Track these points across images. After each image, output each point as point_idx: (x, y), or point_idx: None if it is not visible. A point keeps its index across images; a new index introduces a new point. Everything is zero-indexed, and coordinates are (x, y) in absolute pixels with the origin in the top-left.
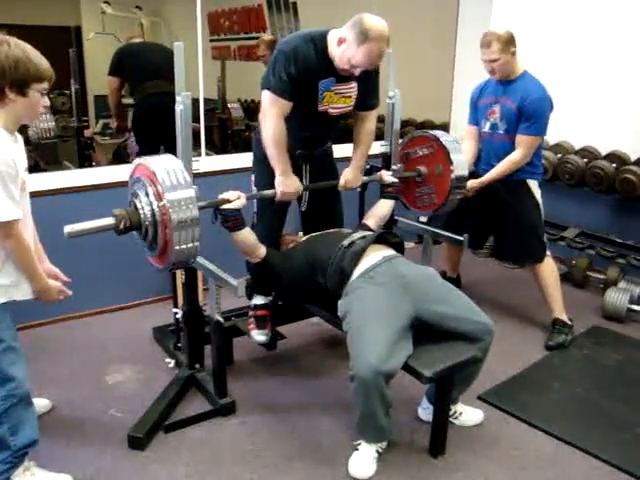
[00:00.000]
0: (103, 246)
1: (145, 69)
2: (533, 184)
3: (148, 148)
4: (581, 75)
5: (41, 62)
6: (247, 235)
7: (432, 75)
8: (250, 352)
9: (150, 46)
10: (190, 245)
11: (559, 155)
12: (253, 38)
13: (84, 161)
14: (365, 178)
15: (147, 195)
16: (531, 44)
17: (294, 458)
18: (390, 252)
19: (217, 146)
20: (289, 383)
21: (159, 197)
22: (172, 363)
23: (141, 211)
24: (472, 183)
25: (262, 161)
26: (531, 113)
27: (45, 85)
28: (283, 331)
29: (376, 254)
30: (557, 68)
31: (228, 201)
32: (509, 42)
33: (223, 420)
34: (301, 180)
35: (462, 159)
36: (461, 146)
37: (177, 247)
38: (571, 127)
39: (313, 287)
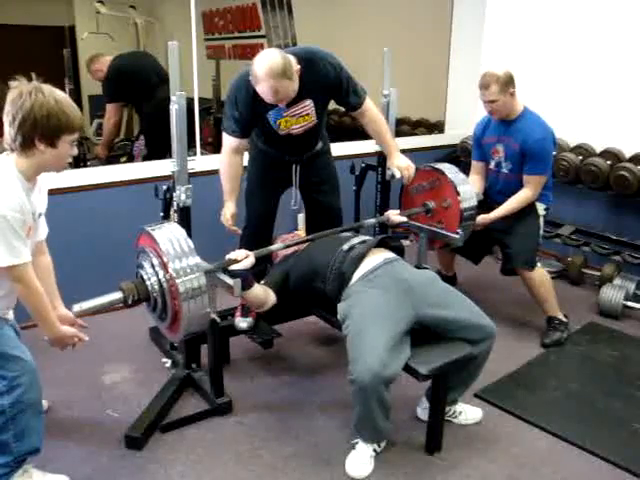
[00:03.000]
0: (99, 246)
1: (149, 78)
2: (539, 205)
3: (158, 152)
4: (576, 72)
5: (73, 113)
6: (258, 292)
7: (427, 73)
8: (247, 351)
9: (139, 55)
10: (201, 312)
11: (554, 153)
12: (248, 37)
13: (79, 161)
14: (372, 220)
15: (152, 266)
16: (525, 43)
17: (291, 457)
18: (390, 255)
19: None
20: (286, 382)
21: (165, 267)
22: (169, 363)
23: (148, 282)
24: (481, 219)
25: (254, 158)
26: (535, 154)
27: (75, 136)
28: (279, 330)
29: (376, 257)
30: (551, 66)
31: (236, 261)
32: (508, 83)
33: (220, 419)
34: (291, 178)
35: (469, 189)
36: (464, 177)
37: (188, 316)
38: (566, 125)
39: (313, 293)
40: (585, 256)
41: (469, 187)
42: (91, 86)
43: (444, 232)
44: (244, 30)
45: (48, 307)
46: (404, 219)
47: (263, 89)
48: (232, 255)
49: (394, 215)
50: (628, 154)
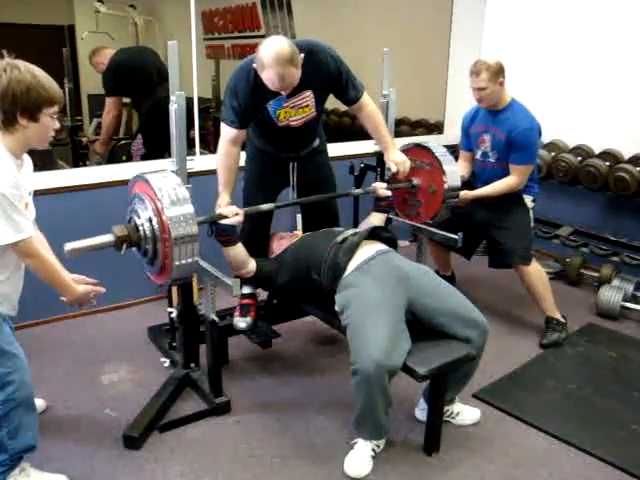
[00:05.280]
0: None
1: (150, 75)
2: (527, 197)
3: (156, 151)
4: (575, 73)
5: (51, 86)
6: (239, 251)
7: (426, 74)
8: (245, 351)
9: (141, 51)
10: (190, 260)
11: (553, 153)
12: (247, 37)
13: (79, 161)
14: (359, 191)
15: (147, 212)
16: (525, 44)
17: (289, 457)
18: (383, 247)
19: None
20: (284, 382)
21: (159, 214)
22: (167, 362)
23: (141, 228)
24: (465, 194)
25: (252, 157)
26: (521, 144)
27: (56, 109)
28: (278, 330)
29: (370, 248)
30: (551, 68)
31: (226, 217)
32: (498, 72)
33: (218, 419)
34: (288, 178)
35: (455, 170)
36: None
37: (177, 263)
38: (565, 125)
39: (308, 286)
40: (584, 257)
41: (455, 168)
42: (90, 85)
43: (443, 233)
44: (244, 30)
45: (61, 273)
46: (389, 193)
47: (269, 75)
48: (222, 210)
49: (380, 189)
50: (627, 155)
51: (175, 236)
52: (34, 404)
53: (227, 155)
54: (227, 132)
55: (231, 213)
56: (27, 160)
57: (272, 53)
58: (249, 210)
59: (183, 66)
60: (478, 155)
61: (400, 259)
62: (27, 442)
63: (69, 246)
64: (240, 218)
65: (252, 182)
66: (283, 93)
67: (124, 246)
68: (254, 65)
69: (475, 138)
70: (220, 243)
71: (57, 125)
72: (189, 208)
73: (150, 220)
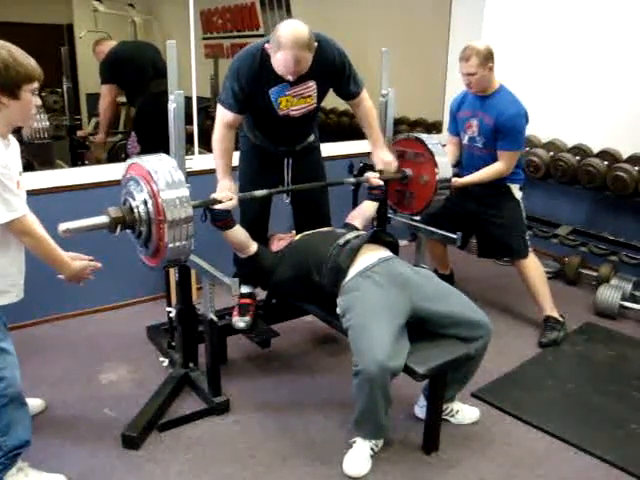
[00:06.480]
0: (96, 244)
1: (145, 69)
2: (514, 187)
3: (151, 148)
4: (573, 73)
5: (29, 62)
6: (238, 233)
7: (425, 73)
8: (244, 351)
9: (141, 45)
10: (184, 242)
11: (551, 153)
12: (246, 36)
13: (77, 160)
14: (352, 180)
15: (142, 194)
16: (523, 43)
17: (288, 456)
18: (386, 253)
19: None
20: (283, 381)
21: (154, 196)
22: (166, 362)
23: (135, 210)
24: (455, 181)
25: (245, 156)
26: (508, 130)
27: (36, 85)
28: (277, 329)
29: (372, 254)
30: (550, 66)
31: (220, 202)
32: (487, 58)
33: (217, 419)
34: (282, 175)
35: (446, 161)
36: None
37: (171, 245)
38: (564, 125)
39: (308, 285)
40: (582, 256)
41: (447, 159)
42: (89, 84)
43: (442, 232)
44: (243, 29)
45: (57, 249)
46: (381, 183)
47: (286, 57)
48: (217, 195)
49: (373, 178)
50: (625, 155)
51: (170, 218)
52: (24, 399)
53: (223, 137)
54: (224, 115)
55: (225, 198)
56: (13, 140)
57: (291, 35)
58: (242, 196)
59: (182, 65)
60: (465, 140)
61: (402, 265)
62: (20, 437)
63: (63, 226)
64: (234, 202)
65: (247, 182)
66: (291, 78)
67: (118, 228)
68: (267, 46)
69: (462, 123)
70: (217, 228)
71: (39, 102)
72: (184, 191)
73: (145, 202)
